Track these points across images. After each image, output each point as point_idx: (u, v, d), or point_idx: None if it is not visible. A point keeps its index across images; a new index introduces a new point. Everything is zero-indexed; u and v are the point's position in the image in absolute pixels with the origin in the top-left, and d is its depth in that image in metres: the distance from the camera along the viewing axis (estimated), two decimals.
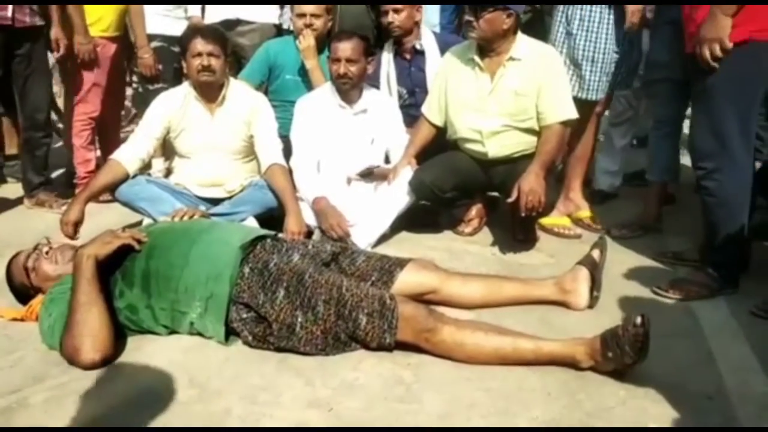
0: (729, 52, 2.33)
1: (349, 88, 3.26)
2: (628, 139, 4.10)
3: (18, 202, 3.80)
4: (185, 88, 3.14)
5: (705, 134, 2.49)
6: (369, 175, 3.30)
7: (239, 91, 3.17)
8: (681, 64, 2.77)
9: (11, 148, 4.29)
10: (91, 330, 1.93)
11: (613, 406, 1.80)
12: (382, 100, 3.44)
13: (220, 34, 3.17)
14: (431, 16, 3.96)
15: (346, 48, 3.17)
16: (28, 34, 3.45)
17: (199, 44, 2.98)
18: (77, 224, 2.82)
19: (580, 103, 3.07)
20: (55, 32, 3.51)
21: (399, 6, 3.46)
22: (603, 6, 3.10)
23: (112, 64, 3.86)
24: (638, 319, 1.82)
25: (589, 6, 3.10)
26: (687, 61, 2.59)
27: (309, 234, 2.98)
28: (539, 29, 3.57)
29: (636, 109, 4.09)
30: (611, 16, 3.12)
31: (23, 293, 2.29)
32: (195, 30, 3.20)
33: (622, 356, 1.84)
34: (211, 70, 2.99)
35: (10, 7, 3.31)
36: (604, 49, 3.13)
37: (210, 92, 3.08)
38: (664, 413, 1.78)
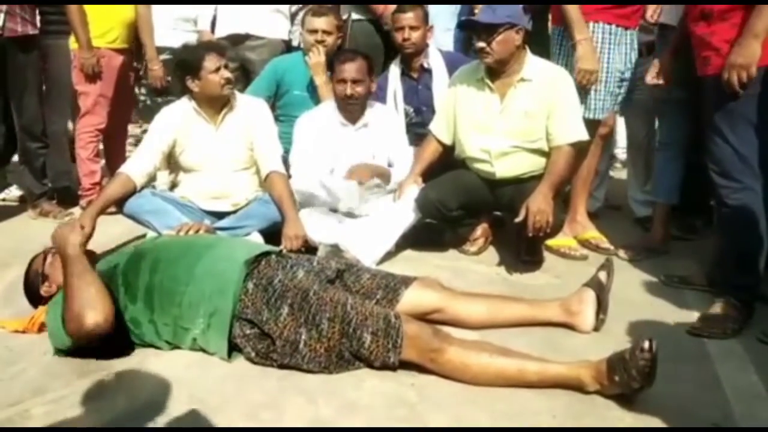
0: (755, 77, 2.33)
1: (355, 108, 3.29)
2: (606, 161, 4.06)
3: (22, 212, 3.81)
4: (186, 104, 3.13)
5: (729, 154, 2.46)
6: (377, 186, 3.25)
7: (240, 101, 3.19)
8: (687, 85, 2.77)
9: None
10: (89, 297, 1.98)
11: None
12: (383, 113, 3.46)
13: (223, 47, 3.21)
14: (446, 39, 3.93)
15: (351, 69, 3.21)
16: (22, 45, 3.41)
17: (216, 59, 3.00)
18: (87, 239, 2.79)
19: (585, 123, 3.06)
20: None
21: (415, 23, 3.48)
22: (605, 25, 3.09)
23: (119, 75, 3.87)
24: (646, 344, 1.80)
25: (591, 26, 3.09)
26: (699, 83, 2.58)
27: (313, 249, 2.96)
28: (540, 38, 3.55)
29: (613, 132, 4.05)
30: (613, 36, 3.11)
31: (35, 295, 2.33)
32: (207, 46, 3.16)
33: (629, 380, 1.82)
34: (231, 82, 3.08)
35: (1, 16, 3.26)
36: (609, 68, 3.12)
37: (218, 105, 3.10)
38: None
